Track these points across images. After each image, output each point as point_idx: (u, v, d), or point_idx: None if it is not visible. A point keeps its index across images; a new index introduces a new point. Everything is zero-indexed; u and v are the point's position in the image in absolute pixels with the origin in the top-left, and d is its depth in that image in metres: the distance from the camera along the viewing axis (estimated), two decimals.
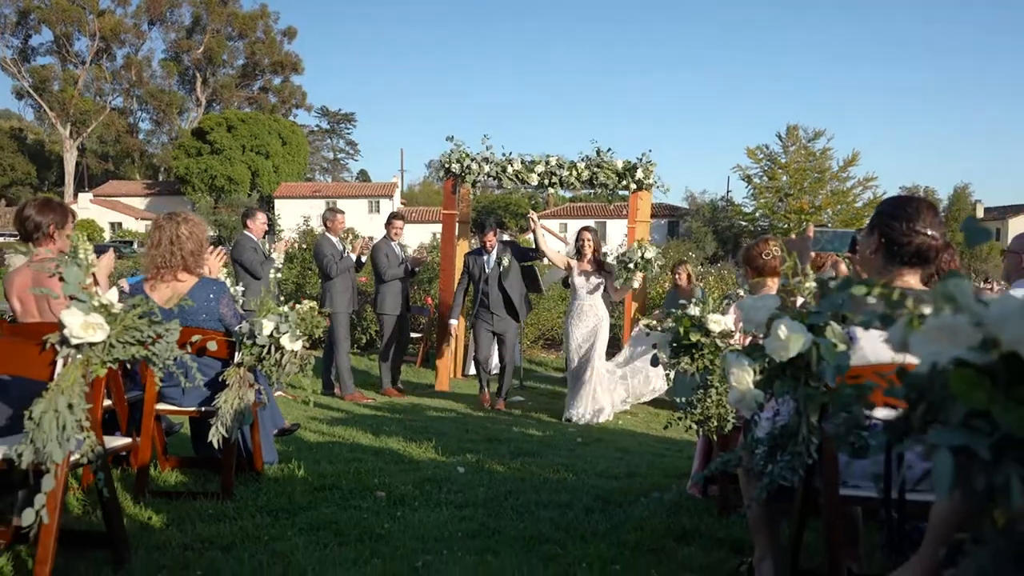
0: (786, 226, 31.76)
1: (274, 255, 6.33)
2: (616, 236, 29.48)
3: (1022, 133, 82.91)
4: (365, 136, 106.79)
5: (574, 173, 7.07)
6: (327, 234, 6.58)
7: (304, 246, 10.73)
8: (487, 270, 6.44)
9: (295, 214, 30.34)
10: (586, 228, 6.35)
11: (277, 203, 42.04)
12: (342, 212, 6.74)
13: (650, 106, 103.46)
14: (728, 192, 39.69)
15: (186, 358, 2.24)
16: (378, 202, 42.84)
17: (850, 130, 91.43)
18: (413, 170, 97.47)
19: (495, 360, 6.97)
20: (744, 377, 1.76)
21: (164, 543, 2.50)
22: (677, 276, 7.07)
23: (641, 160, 7.02)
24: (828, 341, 1.71)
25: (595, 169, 7.03)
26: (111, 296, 2.04)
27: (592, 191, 7.31)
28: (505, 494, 3.34)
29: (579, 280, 6.08)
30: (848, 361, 1.69)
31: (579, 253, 6.18)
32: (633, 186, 7.02)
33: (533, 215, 6.68)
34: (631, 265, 6.77)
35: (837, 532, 2.03)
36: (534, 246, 6.70)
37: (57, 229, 3.01)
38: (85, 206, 41.04)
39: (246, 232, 6.16)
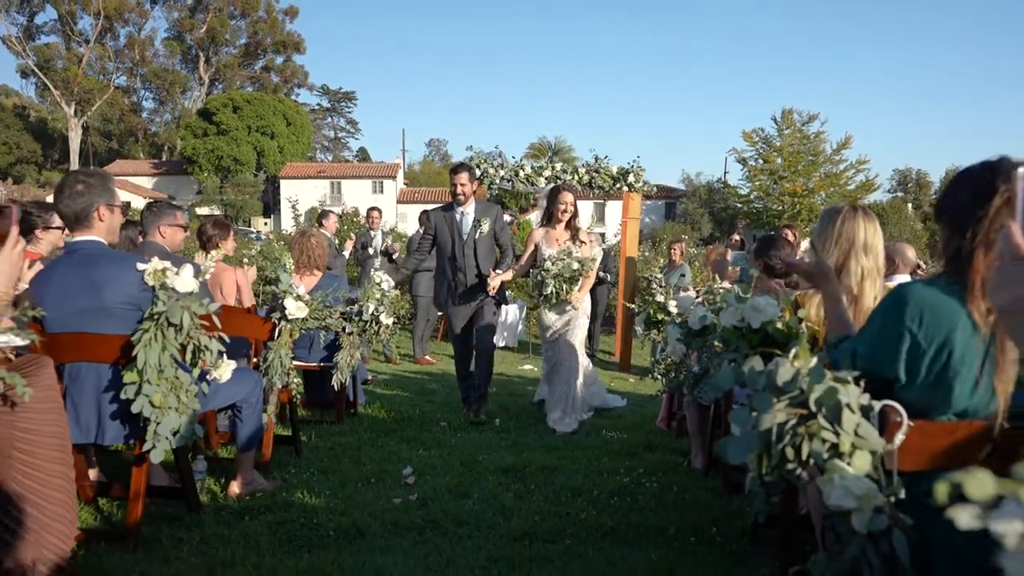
0: (780, 208, 32.79)
1: (345, 253, 7.76)
2: (614, 217, 30.57)
3: (1013, 117, 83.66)
4: (365, 115, 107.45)
5: (576, 176, 8.38)
6: (370, 231, 8.00)
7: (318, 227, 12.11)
8: (462, 233, 4.73)
9: (301, 195, 31.41)
10: (566, 189, 4.92)
11: (282, 183, 43.16)
12: (378, 210, 8.13)
13: (649, 88, 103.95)
14: (725, 174, 40.58)
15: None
16: (382, 183, 43.87)
17: (844, 114, 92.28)
18: (413, 150, 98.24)
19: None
20: (675, 338, 3.13)
21: (315, 447, 3.90)
22: (672, 252, 8.35)
23: (632, 166, 8.33)
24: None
25: (593, 174, 8.35)
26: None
27: (591, 191, 8.62)
28: (527, 426, 4.76)
29: (549, 252, 4.79)
30: None
31: (550, 218, 4.89)
32: (625, 188, 8.33)
33: (491, 283, 4.71)
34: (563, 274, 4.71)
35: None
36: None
37: (221, 240, 4.34)
38: None
39: (322, 230, 7.51)
